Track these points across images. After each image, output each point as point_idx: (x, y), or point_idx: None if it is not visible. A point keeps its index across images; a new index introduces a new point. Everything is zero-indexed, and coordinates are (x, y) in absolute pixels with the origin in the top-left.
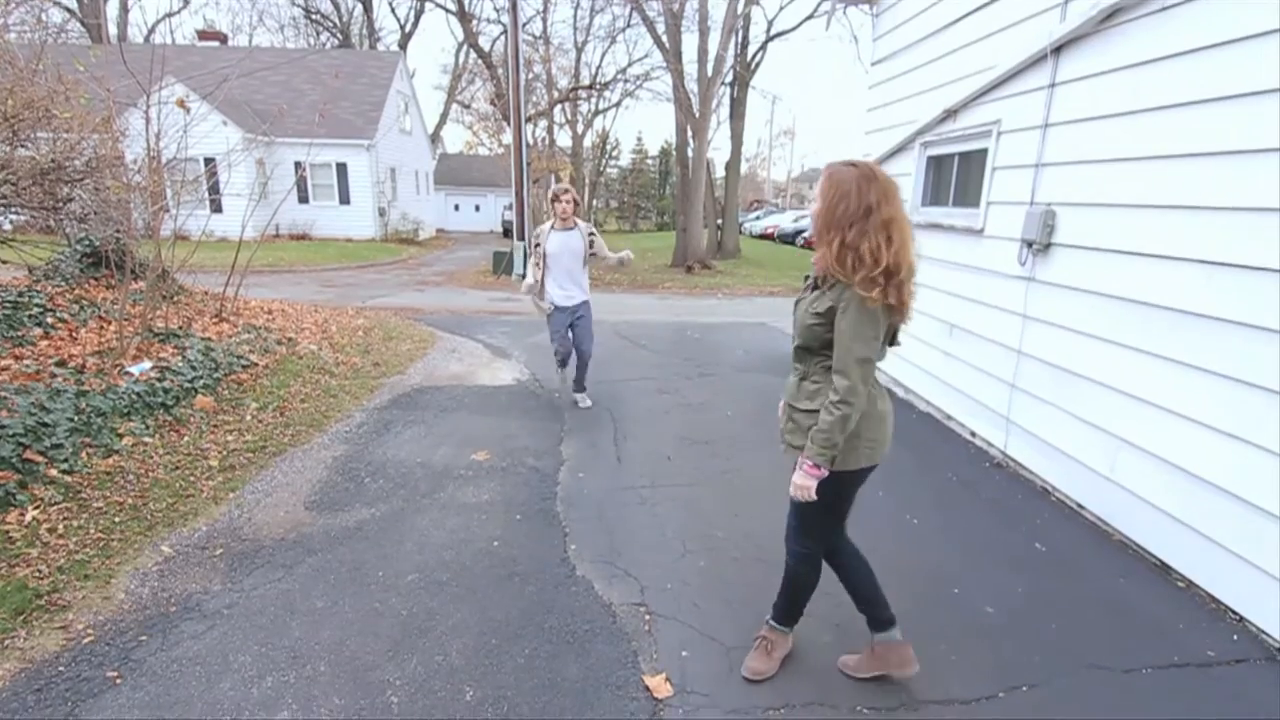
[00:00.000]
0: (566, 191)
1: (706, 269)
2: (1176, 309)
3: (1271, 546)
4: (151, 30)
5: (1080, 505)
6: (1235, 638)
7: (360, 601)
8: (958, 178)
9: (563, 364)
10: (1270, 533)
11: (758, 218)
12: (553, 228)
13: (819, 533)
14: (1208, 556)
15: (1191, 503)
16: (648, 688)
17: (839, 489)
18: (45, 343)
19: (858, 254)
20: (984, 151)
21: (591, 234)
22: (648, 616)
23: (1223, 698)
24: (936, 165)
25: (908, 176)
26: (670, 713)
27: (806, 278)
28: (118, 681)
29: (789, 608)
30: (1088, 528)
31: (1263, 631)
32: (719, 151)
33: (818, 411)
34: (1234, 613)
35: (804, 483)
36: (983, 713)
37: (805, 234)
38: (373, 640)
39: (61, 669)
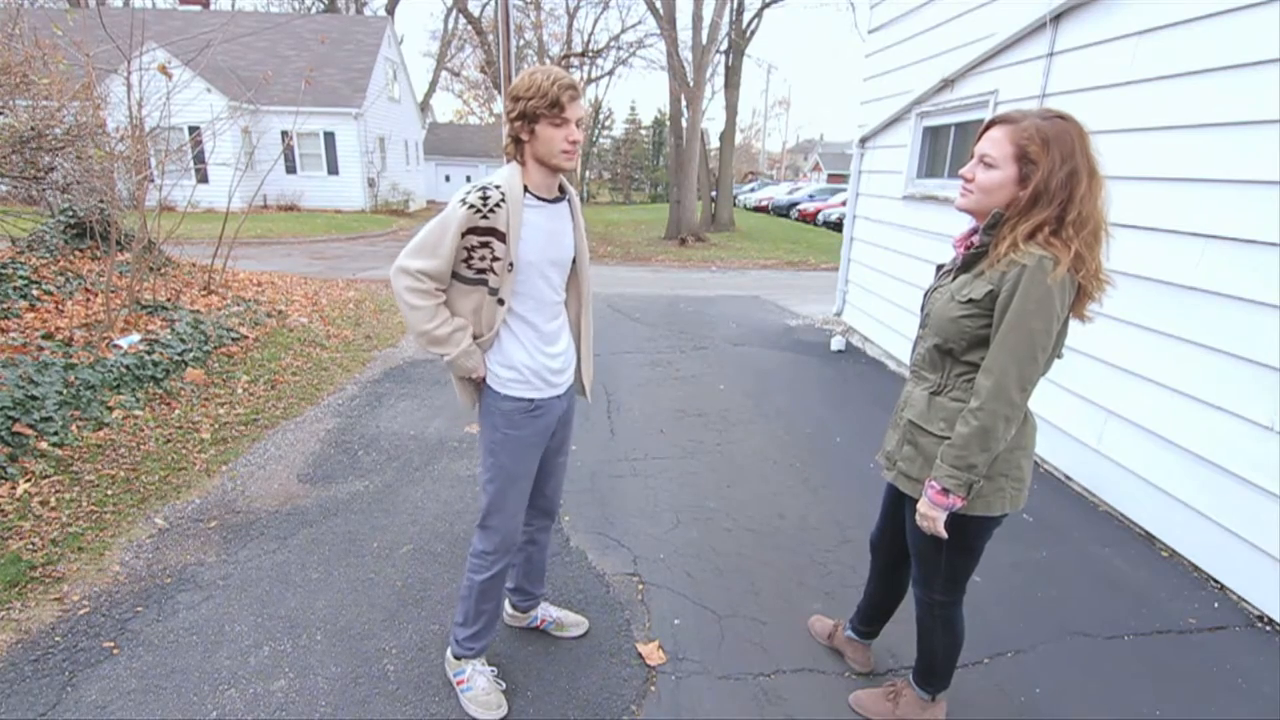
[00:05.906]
0: (573, 88)
1: (700, 241)
2: (1167, 282)
3: (1252, 517)
4: None
5: (1068, 476)
6: (1216, 605)
7: (355, 572)
8: (954, 149)
9: (490, 593)
10: (1251, 503)
11: (752, 189)
12: (528, 190)
13: (946, 581)
14: (1190, 526)
15: (1176, 473)
16: (641, 655)
17: (973, 536)
18: (31, 315)
19: (1091, 229)
20: (981, 122)
21: None
22: (640, 586)
23: (1202, 664)
24: (933, 136)
25: (903, 148)
26: (663, 679)
27: (940, 266)
28: (115, 652)
29: (926, 671)
30: (1075, 498)
31: (1243, 599)
32: (713, 122)
33: None
34: (1215, 581)
35: (929, 512)
36: (969, 678)
37: (800, 206)
38: (368, 610)
39: (58, 640)
